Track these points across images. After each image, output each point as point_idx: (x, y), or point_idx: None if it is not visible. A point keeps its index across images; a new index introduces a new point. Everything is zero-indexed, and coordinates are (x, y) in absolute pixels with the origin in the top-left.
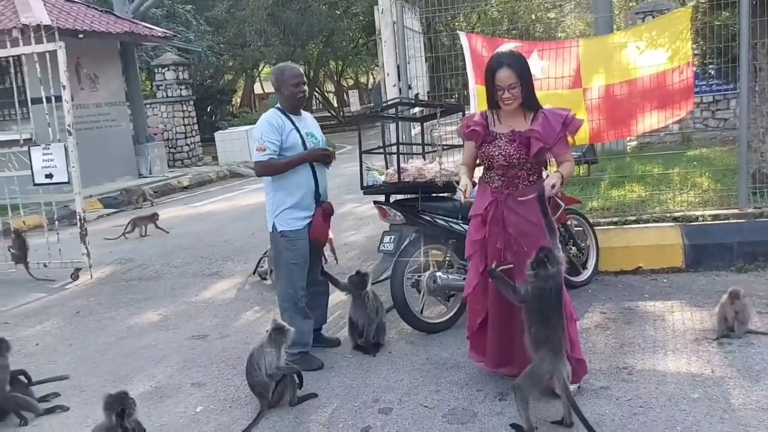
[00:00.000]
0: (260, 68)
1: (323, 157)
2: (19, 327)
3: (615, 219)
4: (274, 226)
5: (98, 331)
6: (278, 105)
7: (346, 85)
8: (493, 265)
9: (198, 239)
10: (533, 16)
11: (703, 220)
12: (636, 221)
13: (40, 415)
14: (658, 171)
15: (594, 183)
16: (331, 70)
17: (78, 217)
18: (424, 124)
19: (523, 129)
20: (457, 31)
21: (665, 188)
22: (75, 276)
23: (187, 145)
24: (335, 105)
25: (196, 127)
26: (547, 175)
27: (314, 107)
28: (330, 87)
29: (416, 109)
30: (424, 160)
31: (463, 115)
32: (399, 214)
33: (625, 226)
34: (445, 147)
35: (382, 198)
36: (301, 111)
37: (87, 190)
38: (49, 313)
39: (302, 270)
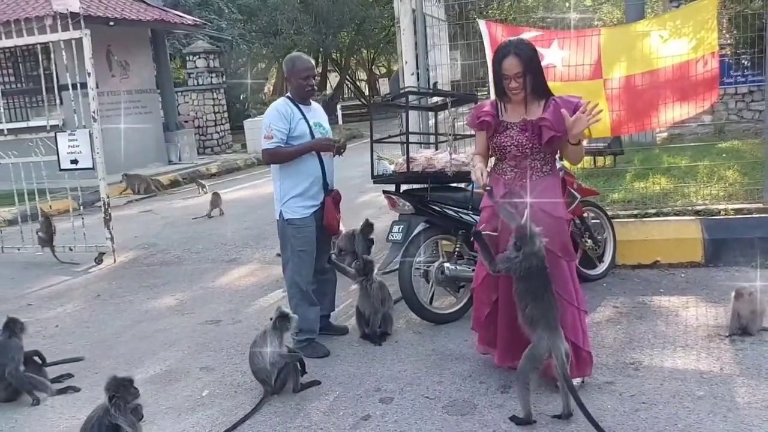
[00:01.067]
0: None
1: (329, 147)
2: (41, 309)
3: (635, 212)
4: (281, 214)
5: (116, 315)
6: (288, 94)
7: (378, 73)
8: (480, 228)
9: (220, 225)
10: (568, 4)
11: (726, 214)
12: (656, 214)
13: (52, 395)
14: (685, 163)
15: (619, 174)
16: (364, 58)
17: (102, 202)
18: (446, 114)
19: (535, 118)
20: (477, 19)
21: (691, 181)
22: (99, 260)
23: (217, 132)
24: (366, 93)
25: (226, 114)
26: (561, 167)
27: (345, 95)
28: (362, 75)
29: (437, 98)
30: (436, 149)
31: (476, 104)
32: (408, 204)
33: (644, 219)
34: (457, 137)
35: (392, 187)
36: (311, 101)
37: (117, 176)
38: (71, 296)
39: (310, 257)
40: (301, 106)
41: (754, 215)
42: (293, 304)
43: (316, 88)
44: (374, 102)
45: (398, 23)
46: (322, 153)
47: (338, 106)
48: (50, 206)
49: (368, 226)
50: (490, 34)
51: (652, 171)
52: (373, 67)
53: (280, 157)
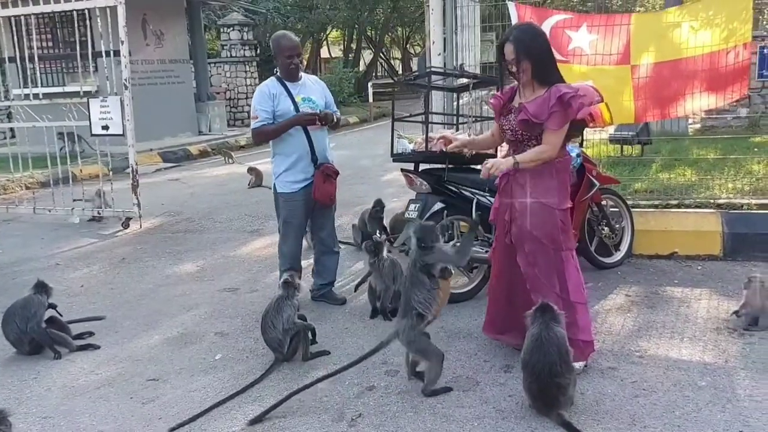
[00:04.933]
0: (327, 32)
1: (310, 121)
2: (68, 269)
3: (656, 202)
4: (274, 187)
5: (139, 278)
6: (277, 73)
7: (413, 51)
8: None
9: (246, 197)
10: None
11: (748, 209)
12: (677, 206)
13: (73, 351)
14: (714, 156)
15: (645, 164)
16: (399, 36)
17: (130, 168)
18: (478, 97)
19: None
20: (507, 1)
21: (717, 174)
22: (126, 225)
23: (248, 105)
24: (399, 72)
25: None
26: (580, 154)
27: (379, 73)
28: (397, 53)
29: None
30: (456, 131)
31: (498, 87)
32: (425, 183)
33: (664, 210)
34: (477, 119)
35: (411, 166)
36: (302, 76)
37: (148, 143)
38: (98, 258)
39: (296, 229)
40: (288, 83)
41: None
42: (280, 265)
43: (300, 65)
44: (397, 81)
45: (427, 3)
46: (309, 128)
47: (369, 84)
48: (81, 170)
49: (378, 205)
50: (519, 16)
51: (679, 162)
52: (407, 45)
53: (265, 135)
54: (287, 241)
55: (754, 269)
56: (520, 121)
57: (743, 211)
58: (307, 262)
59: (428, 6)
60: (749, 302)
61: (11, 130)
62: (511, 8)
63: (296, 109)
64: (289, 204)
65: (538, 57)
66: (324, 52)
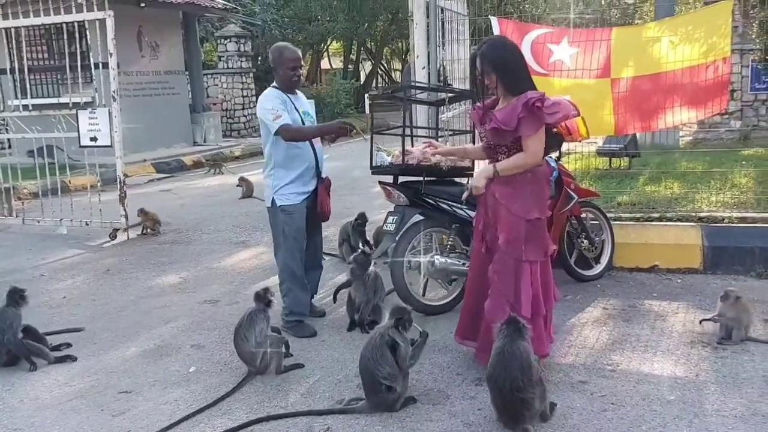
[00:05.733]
0: (327, 43)
1: (344, 131)
2: (52, 280)
3: (638, 215)
4: (273, 201)
5: (122, 289)
6: (274, 84)
7: None
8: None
9: (235, 207)
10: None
11: (729, 222)
12: (659, 219)
13: (50, 363)
14: (702, 169)
15: (633, 177)
16: (400, 48)
17: (118, 179)
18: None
19: None
20: (489, 16)
21: (703, 187)
22: (113, 236)
23: (244, 116)
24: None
25: (254, 99)
26: (555, 169)
27: (379, 84)
28: (397, 65)
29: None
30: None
31: (474, 101)
32: (403, 195)
33: (645, 223)
34: (455, 132)
35: (389, 178)
36: (296, 91)
37: (142, 154)
38: (82, 269)
39: (301, 242)
40: (288, 95)
41: (758, 224)
42: (285, 287)
43: (302, 78)
44: (374, 94)
45: (411, 17)
46: (314, 140)
47: (366, 96)
48: (69, 181)
49: (361, 218)
50: (501, 30)
51: (665, 175)
52: (407, 57)
53: (300, 133)
54: (295, 256)
55: (732, 282)
56: (490, 129)
57: (723, 225)
58: None
59: (412, 20)
60: (724, 315)
61: (9, 140)
62: (494, 23)
63: (302, 121)
64: (294, 217)
65: (505, 70)
66: (325, 63)
